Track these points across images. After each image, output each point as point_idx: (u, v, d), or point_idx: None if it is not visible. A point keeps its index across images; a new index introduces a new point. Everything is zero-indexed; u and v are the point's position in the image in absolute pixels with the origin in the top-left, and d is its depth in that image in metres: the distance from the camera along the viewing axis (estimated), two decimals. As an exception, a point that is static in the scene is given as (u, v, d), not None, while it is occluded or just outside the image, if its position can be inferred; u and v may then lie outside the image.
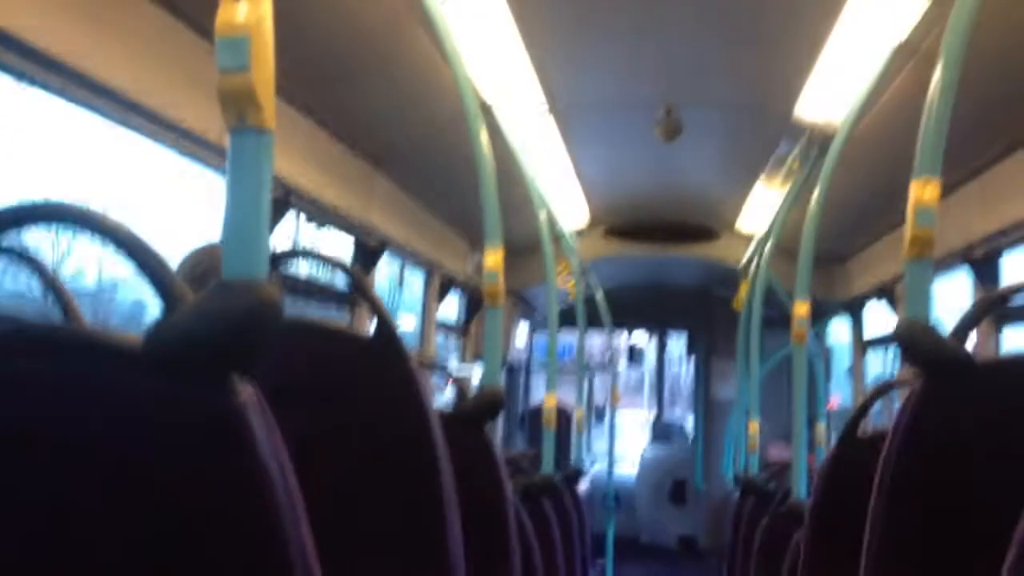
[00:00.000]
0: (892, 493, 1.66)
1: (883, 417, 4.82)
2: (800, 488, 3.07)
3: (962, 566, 1.53)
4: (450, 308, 5.80)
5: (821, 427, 5.57)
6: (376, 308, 1.64)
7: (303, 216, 3.32)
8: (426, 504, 1.66)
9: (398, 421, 1.64)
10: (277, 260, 1.79)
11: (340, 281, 3.67)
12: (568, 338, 8.51)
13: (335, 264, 1.70)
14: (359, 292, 1.70)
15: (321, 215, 3.38)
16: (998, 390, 1.56)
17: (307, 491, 0.97)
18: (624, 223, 6.08)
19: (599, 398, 9.25)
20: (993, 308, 2.83)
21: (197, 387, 0.86)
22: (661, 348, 9.34)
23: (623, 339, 9.24)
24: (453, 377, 2.32)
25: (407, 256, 4.44)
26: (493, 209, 2.62)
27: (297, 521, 0.92)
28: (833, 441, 2.55)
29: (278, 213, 3.00)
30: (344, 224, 3.61)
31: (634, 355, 9.39)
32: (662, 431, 8.88)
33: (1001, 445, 1.49)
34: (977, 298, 3.64)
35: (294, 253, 1.83)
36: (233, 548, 0.90)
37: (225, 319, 0.87)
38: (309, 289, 3.52)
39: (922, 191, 1.69)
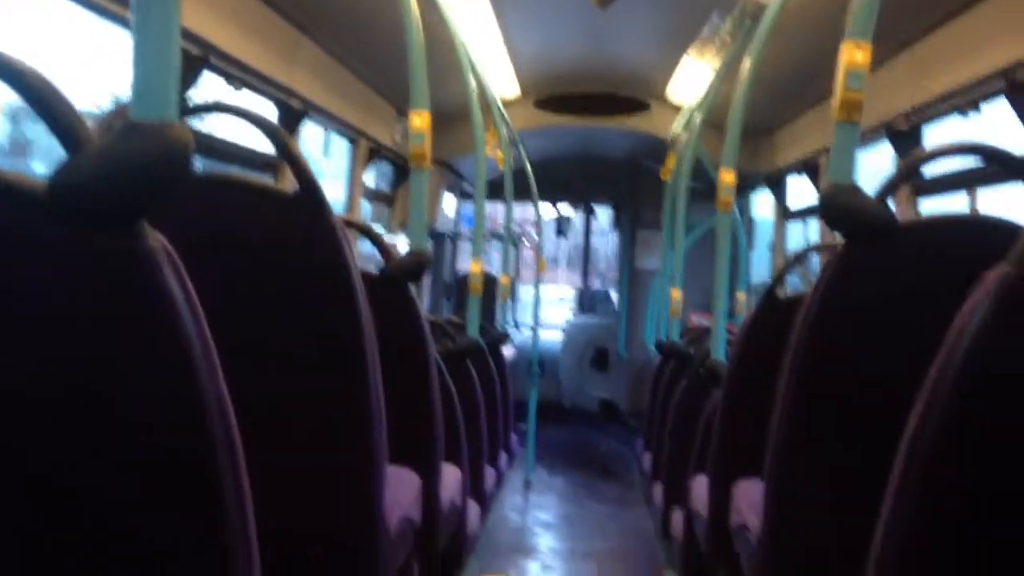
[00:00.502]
0: (809, 352, 1.71)
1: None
2: (719, 350, 3.16)
3: (872, 423, 1.59)
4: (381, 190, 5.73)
5: (742, 295, 5.72)
6: (298, 164, 1.61)
7: (223, 82, 3.21)
8: (347, 362, 1.66)
9: (320, 278, 1.63)
10: (192, 113, 1.74)
11: (263, 146, 3.58)
12: (496, 208, 8.51)
13: (254, 120, 1.64)
14: (280, 149, 1.65)
15: (241, 76, 3.27)
16: (919, 252, 1.61)
17: (225, 346, 0.96)
18: (555, 94, 6.02)
19: (525, 271, 9.33)
20: (917, 169, 2.88)
21: (104, 233, 0.84)
22: (588, 219, 9.40)
23: (550, 211, 9.26)
24: (381, 239, 2.29)
25: (332, 122, 4.35)
26: (420, 72, 2.57)
27: (213, 373, 0.91)
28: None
29: (195, 71, 2.89)
30: (266, 87, 3.50)
31: (562, 226, 9.43)
32: (588, 301, 9.02)
33: (919, 307, 1.54)
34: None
35: (209, 106, 1.76)
36: (146, 397, 0.89)
37: (133, 160, 0.83)
38: (228, 149, 3.42)
39: (853, 54, 1.69)
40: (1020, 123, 2.73)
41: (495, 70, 5.05)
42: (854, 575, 0.92)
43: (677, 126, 5.50)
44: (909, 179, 3.42)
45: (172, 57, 0.94)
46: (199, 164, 3.25)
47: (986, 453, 0.81)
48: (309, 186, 1.61)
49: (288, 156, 1.62)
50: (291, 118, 3.80)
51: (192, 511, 0.92)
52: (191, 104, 1.72)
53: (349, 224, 2.09)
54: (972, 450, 0.82)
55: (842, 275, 1.62)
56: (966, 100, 3.13)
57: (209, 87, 3.19)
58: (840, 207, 1.60)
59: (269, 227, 1.61)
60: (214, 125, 3.61)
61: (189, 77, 2.86)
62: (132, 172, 0.83)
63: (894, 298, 1.60)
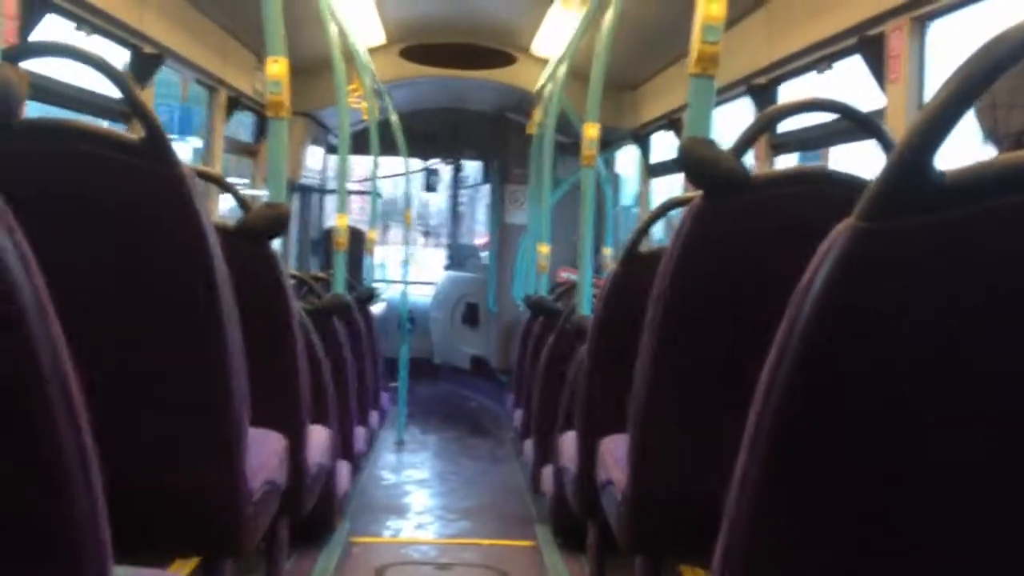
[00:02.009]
0: (669, 305, 1.73)
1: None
2: (585, 305, 3.18)
3: (730, 375, 1.62)
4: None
5: (607, 250, 5.78)
6: (141, 110, 1.51)
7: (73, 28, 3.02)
8: (201, 320, 1.59)
9: (168, 231, 1.54)
10: (25, 56, 1.61)
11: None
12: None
13: (92, 61, 1.53)
14: (122, 92, 1.54)
15: (90, 19, 3.08)
16: (771, 205, 1.64)
17: (67, 307, 0.88)
18: (421, 44, 5.92)
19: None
20: (771, 124, 2.94)
21: None
22: (457, 175, 9.35)
23: (418, 164, 9.15)
24: (236, 190, 2.21)
25: (189, 69, 4.16)
26: (276, 16, 2.47)
27: (49, 335, 0.84)
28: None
29: (37, 12, 2.71)
30: (117, 31, 3.31)
31: (430, 181, 9.34)
32: (457, 256, 8.98)
33: (770, 259, 1.56)
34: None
35: (44, 46, 1.64)
36: None
37: None
38: (74, 95, 3.22)
39: (709, 6, 1.70)
40: (873, 80, 2.81)
41: (359, 15, 4.92)
42: (715, 527, 0.93)
43: (543, 78, 5.49)
44: (763, 133, 3.50)
45: None
46: (40, 110, 3.05)
47: (833, 404, 0.82)
48: (153, 132, 1.51)
49: (129, 99, 1.52)
50: (145, 64, 3.61)
51: (29, 478, 0.86)
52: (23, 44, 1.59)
53: (202, 175, 1.99)
54: (820, 401, 0.83)
55: (698, 228, 1.64)
56: (820, 57, 3.21)
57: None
58: (695, 161, 1.61)
59: (110, 177, 1.51)
60: (81, 76, 3.37)
61: (33, 20, 2.69)
62: None
63: (749, 250, 1.63)
